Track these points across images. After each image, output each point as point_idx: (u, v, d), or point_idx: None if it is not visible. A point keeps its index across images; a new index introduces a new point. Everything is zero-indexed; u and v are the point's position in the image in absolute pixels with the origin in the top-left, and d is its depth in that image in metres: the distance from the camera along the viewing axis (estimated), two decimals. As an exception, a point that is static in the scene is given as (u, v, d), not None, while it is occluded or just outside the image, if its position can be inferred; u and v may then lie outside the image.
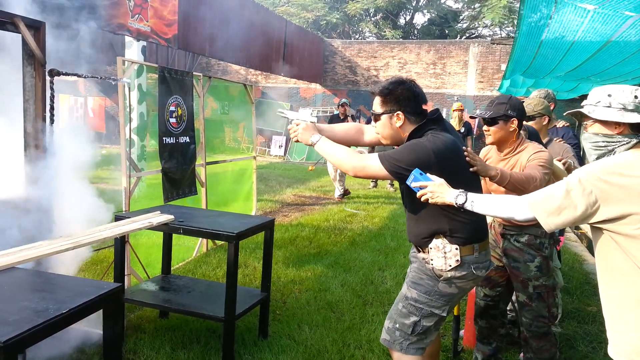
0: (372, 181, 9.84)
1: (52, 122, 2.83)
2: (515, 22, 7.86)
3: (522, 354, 2.85)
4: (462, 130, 8.88)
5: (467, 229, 2.01)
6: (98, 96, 15.85)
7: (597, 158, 1.59)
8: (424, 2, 21.02)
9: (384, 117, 2.07)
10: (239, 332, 3.10)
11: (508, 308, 3.10)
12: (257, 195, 6.24)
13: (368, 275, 4.41)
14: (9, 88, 2.78)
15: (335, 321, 3.44)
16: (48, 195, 2.73)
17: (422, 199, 1.87)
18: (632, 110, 1.53)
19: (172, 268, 3.67)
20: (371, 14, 20.84)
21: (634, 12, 3.29)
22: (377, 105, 2.09)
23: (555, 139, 3.29)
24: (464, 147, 2.08)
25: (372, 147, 7.06)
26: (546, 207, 1.48)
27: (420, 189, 1.86)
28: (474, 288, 2.86)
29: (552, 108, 3.47)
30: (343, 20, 19.86)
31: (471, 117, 2.81)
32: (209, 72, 15.98)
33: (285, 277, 4.25)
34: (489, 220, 2.61)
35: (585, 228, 6.35)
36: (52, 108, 2.84)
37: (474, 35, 20.53)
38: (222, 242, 4.73)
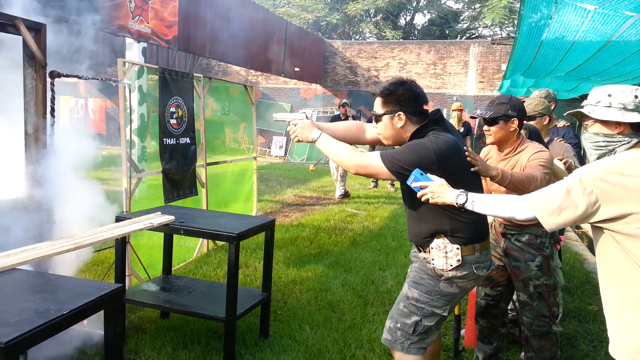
0: (372, 181, 9.84)
1: (53, 124, 2.83)
2: (516, 22, 7.85)
3: (523, 353, 2.85)
4: (462, 130, 8.89)
5: (468, 228, 2.01)
6: (99, 97, 15.87)
7: (598, 158, 1.59)
8: (424, 3, 21.02)
9: (385, 118, 2.07)
10: (240, 332, 3.10)
11: (509, 307, 3.10)
12: (258, 195, 6.25)
13: (369, 275, 4.41)
14: (10, 89, 2.79)
15: (336, 321, 3.44)
16: (48, 196, 2.74)
17: (423, 199, 1.87)
18: (632, 110, 1.53)
19: (172, 268, 3.67)
20: (371, 15, 20.84)
21: (634, 12, 3.30)
22: (378, 106, 2.08)
23: (555, 138, 3.29)
24: (465, 147, 2.09)
25: (373, 146, 7.07)
26: (547, 207, 1.48)
27: (421, 189, 1.86)
28: (475, 287, 2.86)
29: (552, 108, 3.47)
30: (343, 21, 19.86)
31: (472, 117, 2.81)
32: (209, 73, 15.99)
33: (286, 277, 4.25)
34: (489, 220, 2.62)
35: (586, 227, 6.35)
36: (52, 109, 2.84)
37: (474, 36, 20.53)
38: (223, 242, 4.73)
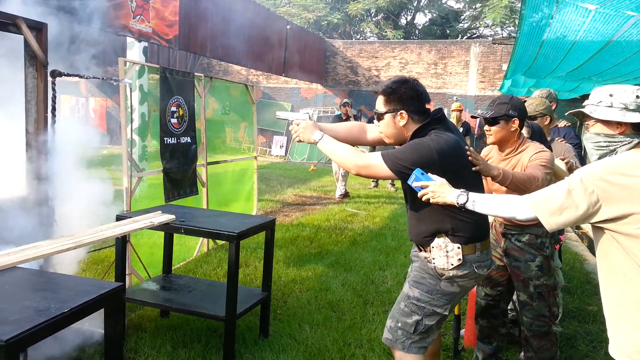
0: (372, 181, 9.84)
1: (54, 123, 2.83)
2: (517, 22, 7.86)
3: (522, 353, 2.85)
4: (461, 129, 8.91)
5: (469, 228, 2.01)
6: (99, 97, 15.87)
7: (599, 158, 1.59)
8: (425, 2, 21.02)
9: (387, 116, 2.06)
10: (239, 331, 3.10)
11: (509, 307, 3.10)
12: (258, 195, 6.25)
13: (369, 275, 4.41)
14: (11, 88, 2.79)
15: (336, 320, 3.44)
16: (49, 194, 2.74)
17: (423, 199, 1.87)
18: (633, 110, 1.53)
19: (173, 267, 3.68)
20: (372, 14, 20.84)
21: (635, 12, 3.29)
22: (380, 105, 2.08)
23: (556, 138, 3.30)
24: (466, 147, 2.08)
25: (374, 147, 7.07)
26: (548, 207, 1.48)
27: (422, 188, 1.86)
28: (475, 287, 2.86)
29: (553, 108, 3.47)
30: (344, 20, 19.86)
31: (472, 117, 2.81)
32: (210, 72, 15.99)
33: (286, 277, 4.25)
34: (490, 219, 2.61)
35: (586, 228, 6.34)
36: (54, 109, 2.84)
37: (475, 35, 20.52)
38: (223, 241, 4.74)
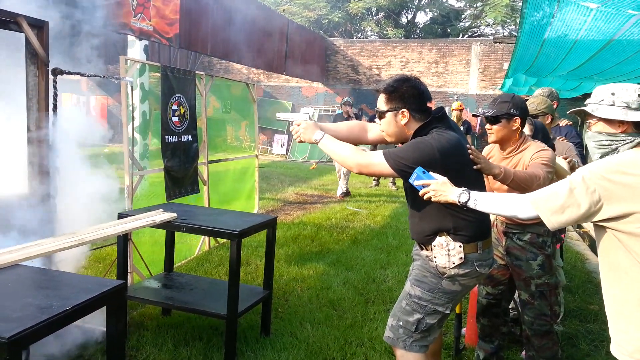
0: (374, 179, 9.84)
1: (56, 121, 2.83)
2: (518, 20, 7.85)
3: (524, 352, 2.85)
4: (462, 128, 8.90)
5: (471, 226, 2.01)
6: (100, 95, 15.87)
7: (601, 157, 1.59)
8: (426, 1, 20.99)
9: (389, 115, 2.06)
10: (241, 329, 3.11)
11: (510, 306, 3.10)
12: (259, 193, 6.25)
13: (370, 274, 4.41)
14: (12, 86, 2.79)
15: (337, 319, 3.44)
16: (51, 192, 2.74)
17: (425, 198, 1.87)
18: (635, 109, 1.53)
19: (174, 266, 3.68)
20: (373, 13, 20.82)
21: (636, 11, 3.29)
22: (381, 103, 2.08)
23: (558, 137, 3.30)
24: (468, 145, 2.08)
25: (375, 146, 7.06)
26: (550, 206, 1.48)
27: (423, 187, 1.86)
28: (476, 286, 2.86)
29: (555, 107, 3.47)
30: (345, 19, 19.84)
31: (474, 116, 2.81)
32: (211, 71, 15.98)
33: (288, 275, 4.25)
34: (491, 218, 2.61)
35: (588, 227, 6.34)
36: (55, 107, 2.84)
37: (476, 34, 20.49)
38: (225, 240, 4.74)
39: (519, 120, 2.47)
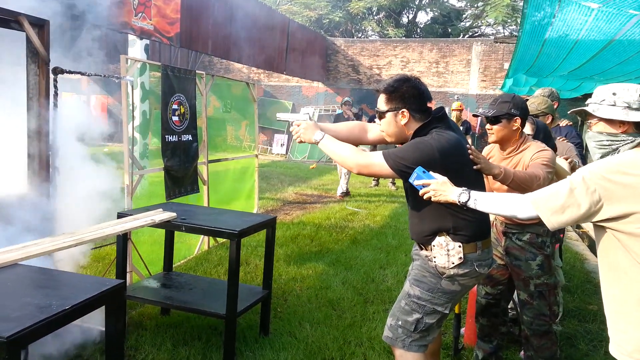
0: (373, 179, 9.84)
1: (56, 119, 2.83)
2: (519, 20, 7.84)
3: (522, 352, 2.85)
4: (462, 128, 8.90)
5: (471, 226, 2.01)
6: (100, 94, 15.87)
7: (602, 157, 1.58)
8: (427, 1, 20.98)
9: (389, 115, 2.06)
10: (240, 329, 3.11)
11: (509, 306, 3.10)
12: (259, 193, 6.25)
13: (369, 273, 4.41)
14: (13, 85, 2.79)
15: (336, 319, 3.44)
16: (50, 192, 2.74)
17: (425, 197, 1.87)
18: (636, 109, 1.52)
19: (173, 265, 3.68)
20: (374, 13, 20.80)
21: (637, 11, 3.28)
22: (382, 103, 2.08)
23: (558, 137, 3.29)
24: (467, 145, 2.08)
25: (374, 146, 7.06)
26: (550, 206, 1.48)
27: (423, 187, 1.86)
28: (476, 286, 2.86)
29: (555, 107, 3.47)
30: (346, 18, 19.83)
31: (474, 116, 2.81)
32: (212, 70, 15.98)
33: (287, 275, 4.25)
34: (491, 218, 2.61)
35: (587, 227, 6.34)
36: (55, 106, 2.84)
37: (476, 34, 20.48)
38: (224, 239, 4.74)
39: (519, 121, 2.46)
